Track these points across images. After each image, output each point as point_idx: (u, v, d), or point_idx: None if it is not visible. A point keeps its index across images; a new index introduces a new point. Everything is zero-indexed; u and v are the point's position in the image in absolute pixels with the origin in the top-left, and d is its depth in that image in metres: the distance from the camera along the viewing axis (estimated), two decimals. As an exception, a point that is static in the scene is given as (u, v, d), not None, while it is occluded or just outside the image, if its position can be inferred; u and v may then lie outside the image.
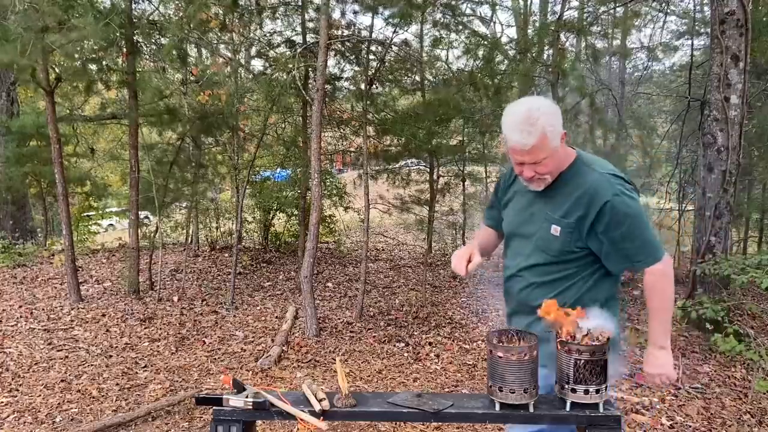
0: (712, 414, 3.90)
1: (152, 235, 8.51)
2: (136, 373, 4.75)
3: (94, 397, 4.23)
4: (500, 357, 1.70)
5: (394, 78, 8.82)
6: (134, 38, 6.74)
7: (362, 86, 8.09)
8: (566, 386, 1.71)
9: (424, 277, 8.23)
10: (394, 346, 5.54)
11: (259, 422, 2.18)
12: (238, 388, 1.81)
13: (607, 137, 9.68)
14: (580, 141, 9.49)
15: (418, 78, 9.17)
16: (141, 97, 7.33)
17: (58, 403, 4.11)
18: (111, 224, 16.58)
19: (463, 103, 8.05)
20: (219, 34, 7.86)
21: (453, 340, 5.61)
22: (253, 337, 5.78)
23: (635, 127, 9.04)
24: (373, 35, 8.30)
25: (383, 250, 11.35)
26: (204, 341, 5.59)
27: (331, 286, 8.25)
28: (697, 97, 7.13)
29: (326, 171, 10.37)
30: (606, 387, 1.71)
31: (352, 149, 10.60)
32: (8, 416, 3.91)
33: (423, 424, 3.55)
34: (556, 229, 2.02)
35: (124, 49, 6.78)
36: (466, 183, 10.16)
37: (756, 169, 8.52)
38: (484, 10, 11.25)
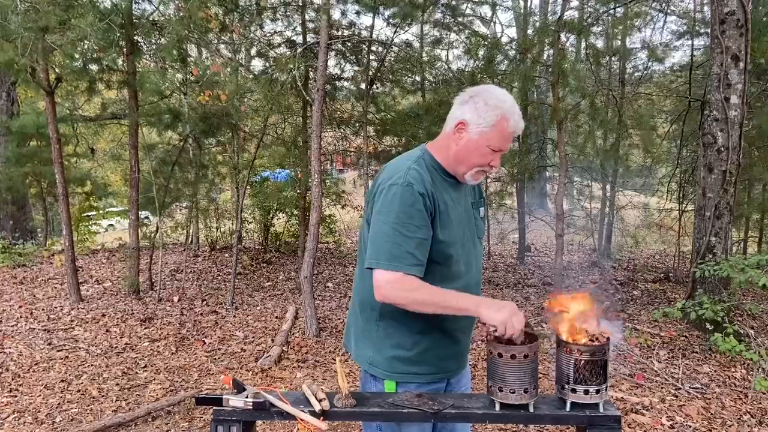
0: (712, 414, 3.90)
1: (152, 235, 8.52)
2: (136, 373, 4.75)
3: (94, 397, 4.23)
4: (500, 357, 1.70)
5: (394, 78, 8.84)
6: (134, 38, 6.74)
7: (363, 86, 8.10)
8: (566, 386, 1.71)
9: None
10: (394, 346, 5.53)
11: (259, 422, 2.18)
12: (238, 388, 1.80)
13: (607, 137, 9.69)
14: (580, 141, 9.49)
15: (418, 78, 9.18)
16: (141, 97, 7.34)
17: (58, 403, 4.11)
18: (111, 224, 16.60)
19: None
20: (219, 34, 7.87)
21: (453, 340, 5.61)
22: (253, 337, 5.78)
23: (635, 127, 9.03)
24: (374, 35, 8.31)
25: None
26: (204, 341, 5.59)
27: (331, 286, 8.25)
28: (697, 97, 7.14)
29: (326, 171, 10.38)
30: (606, 387, 1.71)
31: (352, 149, 10.62)
32: (8, 416, 3.91)
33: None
34: (481, 211, 2.04)
35: (125, 49, 6.79)
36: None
37: (756, 169, 8.51)
38: (485, 10, 11.27)
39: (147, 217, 11.89)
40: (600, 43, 9.37)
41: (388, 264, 1.71)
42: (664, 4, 9.51)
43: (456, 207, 1.87)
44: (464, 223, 1.90)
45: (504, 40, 11.18)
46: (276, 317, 6.48)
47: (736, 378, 4.56)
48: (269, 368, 4.83)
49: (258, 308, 6.89)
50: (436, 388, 1.94)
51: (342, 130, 9.79)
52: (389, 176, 1.80)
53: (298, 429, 3.56)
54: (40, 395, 4.25)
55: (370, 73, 7.84)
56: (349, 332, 2.06)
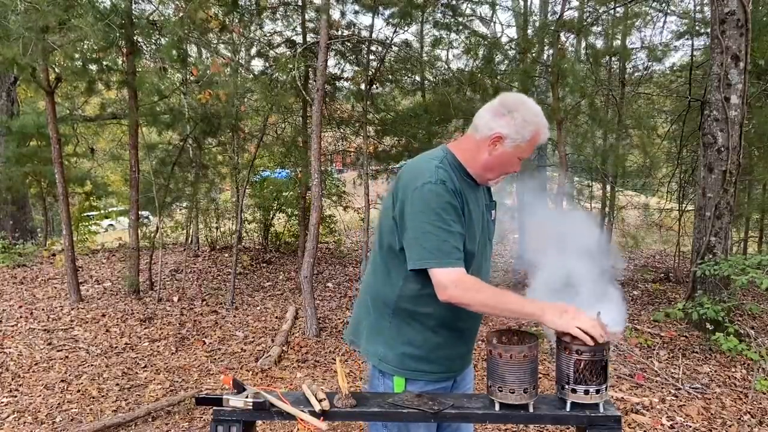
0: (712, 414, 3.90)
1: (152, 235, 8.52)
2: (136, 373, 4.75)
3: (94, 397, 4.23)
4: (500, 357, 1.70)
5: (394, 78, 8.83)
6: (134, 38, 6.74)
7: (362, 86, 8.10)
8: (566, 386, 1.71)
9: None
10: (394, 346, 5.53)
11: (259, 422, 2.18)
12: (238, 388, 1.81)
13: (607, 137, 9.68)
14: (580, 141, 9.49)
15: (418, 78, 9.18)
16: (141, 97, 7.34)
17: (58, 403, 4.11)
18: (111, 224, 16.61)
19: (463, 103, 8.06)
20: (219, 34, 7.87)
21: (453, 340, 5.60)
22: (253, 337, 5.78)
23: (635, 127, 9.03)
24: (374, 35, 8.31)
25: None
26: (204, 341, 5.59)
27: (331, 286, 8.25)
28: (697, 97, 7.13)
29: (326, 171, 10.38)
30: (606, 387, 1.71)
31: (351, 149, 10.62)
32: (8, 416, 3.91)
33: (423, 424, 3.54)
34: (493, 214, 2.06)
35: (124, 49, 6.79)
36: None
37: (756, 169, 8.51)
38: (484, 10, 11.26)
39: (147, 217, 11.89)
40: (600, 43, 9.36)
41: (438, 262, 1.73)
42: (664, 4, 9.50)
43: (475, 207, 1.90)
44: (481, 224, 1.93)
45: (504, 39, 11.17)
46: (276, 317, 6.48)
47: (736, 378, 4.56)
48: (269, 368, 4.83)
49: (258, 308, 6.89)
50: (444, 386, 1.97)
51: (342, 130, 9.78)
52: (417, 176, 1.82)
53: (298, 429, 3.56)
54: (40, 395, 4.25)
55: (370, 73, 7.84)
56: (358, 327, 2.07)
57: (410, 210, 1.79)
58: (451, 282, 1.73)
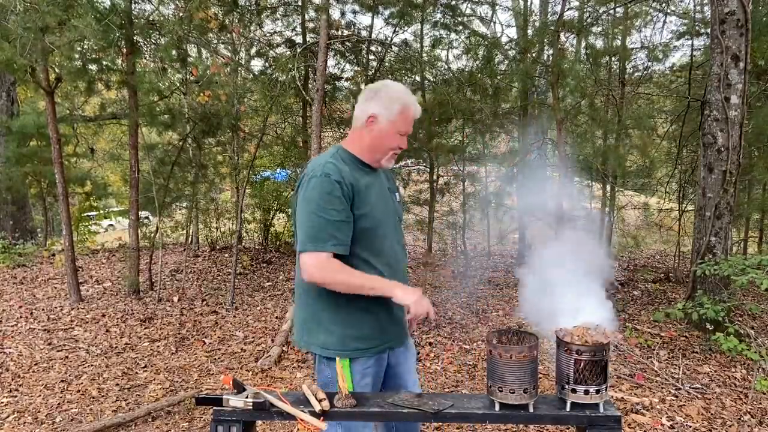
0: (712, 414, 3.90)
1: (152, 235, 8.52)
2: (136, 373, 4.75)
3: (94, 397, 4.23)
4: (500, 357, 1.70)
5: (394, 78, 8.83)
6: (134, 38, 6.74)
7: (362, 86, 8.10)
8: (566, 386, 1.71)
9: (423, 277, 8.22)
10: (394, 346, 5.52)
11: (259, 422, 2.18)
12: (238, 388, 1.81)
13: (607, 137, 9.68)
14: (580, 141, 9.49)
15: (418, 78, 9.18)
16: (140, 97, 7.35)
17: (58, 403, 4.11)
18: (111, 224, 16.61)
19: (463, 103, 8.06)
20: (219, 34, 7.87)
21: (453, 341, 5.61)
22: (253, 337, 5.78)
23: (635, 127, 9.02)
24: (373, 35, 8.31)
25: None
26: (204, 341, 5.59)
27: (331, 286, 8.24)
28: (697, 97, 7.12)
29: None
30: (606, 387, 1.71)
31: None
32: (8, 416, 3.91)
33: (423, 424, 3.55)
34: (398, 196, 2.28)
35: (124, 49, 6.79)
36: (465, 183, 10.18)
37: (756, 169, 8.50)
38: (484, 10, 11.25)
39: (147, 217, 11.89)
40: (600, 43, 9.35)
41: (313, 246, 1.92)
42: (664, 4, 9.50)
43: (373, 191, 2.08)
44: (383, 204, 2.12)
45: (504, 39, 11.16)
46: (276, 317, 6.48)
47: (736, 378, 4.56)
48: (269, 368, 4.83)
49: (258, 308, 6.89)
50: (382, 357, 2.12)
51: (342, 130, 9.79)
52: (308, 172, 2.04)
53: (298, 429, 3.56)
54: (40, 395, 4.25)
55: (370, 73, 7.84)
56: (298, 325, 2.19)
57: (299, 200, 2.01)
58: (312, 265, 1.93)
